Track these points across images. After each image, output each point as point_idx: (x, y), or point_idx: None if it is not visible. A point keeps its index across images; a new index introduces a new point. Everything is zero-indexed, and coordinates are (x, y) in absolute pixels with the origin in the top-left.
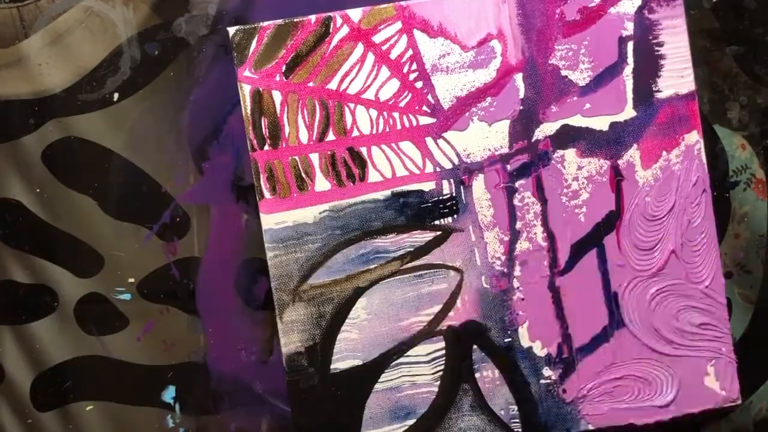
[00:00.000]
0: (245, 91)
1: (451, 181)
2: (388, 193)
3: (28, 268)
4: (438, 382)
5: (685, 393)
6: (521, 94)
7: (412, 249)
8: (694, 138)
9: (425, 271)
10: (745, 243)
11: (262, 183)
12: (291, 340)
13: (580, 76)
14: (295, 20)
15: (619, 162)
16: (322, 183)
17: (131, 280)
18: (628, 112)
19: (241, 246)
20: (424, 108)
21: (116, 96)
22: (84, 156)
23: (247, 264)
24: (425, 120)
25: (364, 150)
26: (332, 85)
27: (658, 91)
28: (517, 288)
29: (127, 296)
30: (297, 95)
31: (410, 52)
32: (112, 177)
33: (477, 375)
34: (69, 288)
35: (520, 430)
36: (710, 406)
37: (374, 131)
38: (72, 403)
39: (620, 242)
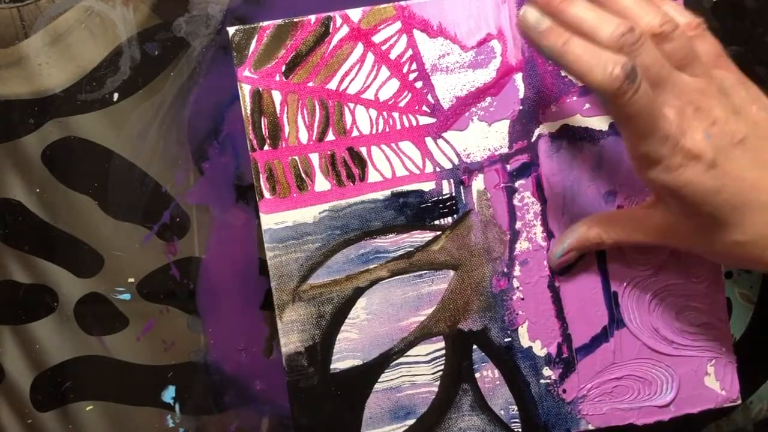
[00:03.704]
0: (245, 91)
1: (451, 181)
2: (387, 193)
3: (28, 268)
4: (438, 382)
5: (684, 393)
6: (521, 94)
7: (412, 249)
8: None
9: (425, 271)
10: None
11: (261, 183)
12: (291, 340)
13: None
14: (294, 20)
15: None
16: (322, 183)
17: (131, 280)
18: None
19: (241, 246)
20: (424, 108)
21: (116, 96)
22: (84, 156)
23: (247, 264)
24: (425, 120)
25: (363, 150)
26: (332, 85)
27: None
28: (517, 288)
29: (127, 296)
30: (297, 95)
31: (410, 52)
32: (112, 177)
33: (477, 375)
34: (69, 288)
35: (520, 430)
36: (710, 406)
37: (374, 131)
38: (72, 403)
39: None
